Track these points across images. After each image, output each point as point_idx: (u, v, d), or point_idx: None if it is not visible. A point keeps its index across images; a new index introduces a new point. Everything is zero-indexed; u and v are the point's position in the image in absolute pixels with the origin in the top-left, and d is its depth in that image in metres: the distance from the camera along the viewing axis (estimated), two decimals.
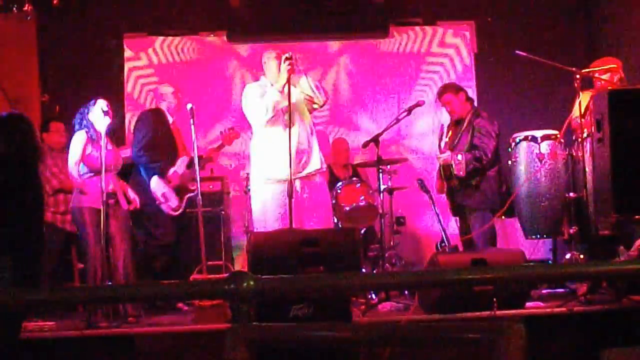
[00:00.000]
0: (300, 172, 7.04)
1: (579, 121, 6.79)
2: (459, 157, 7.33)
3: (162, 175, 7.68)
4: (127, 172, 7.74)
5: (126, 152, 7.94)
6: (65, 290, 4.79)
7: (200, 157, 7.80)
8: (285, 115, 6.88)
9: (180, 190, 7.75)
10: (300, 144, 7.04)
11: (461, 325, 2.73)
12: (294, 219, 6.73)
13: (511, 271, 3.60)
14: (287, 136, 6.78)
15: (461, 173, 7.32)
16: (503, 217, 7.45)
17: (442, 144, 7.74)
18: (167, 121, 7.98)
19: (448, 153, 7.45)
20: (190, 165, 7.82)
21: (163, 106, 8.07)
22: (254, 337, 2.79)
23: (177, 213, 7.71)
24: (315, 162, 7.16)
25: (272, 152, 7.05)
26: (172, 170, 7.74)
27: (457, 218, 7.90)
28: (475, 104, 8.26)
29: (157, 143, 7.82)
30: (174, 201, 7.68)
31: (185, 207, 7.78)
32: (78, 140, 6.99)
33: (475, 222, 7.51)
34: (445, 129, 7.88)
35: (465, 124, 7.49)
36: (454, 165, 7.36)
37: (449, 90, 7.79)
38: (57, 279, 7.88)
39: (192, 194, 7.76)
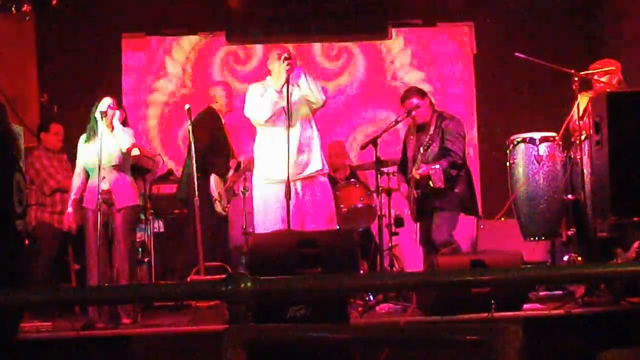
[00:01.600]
0: (301, 173, 7.01)
1: (577, 123, 6.77)
2: (437, 166, 7.21)
3: (222, 175, 7.77)
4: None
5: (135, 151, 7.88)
6: (61, 291, 4.78)
7: (239, 164, 8.18)
8: (286, 115, 6.88)
9: (228, 192, 7.88)
10: (301, 144, 7.02)
11: (458, 327, 2.72)
12: (296, 221, 6.75)
13: (509, 273, 3.59)
14: (288, 136, 6.80)
15: (440, 184, 7.22)
16: (503, 218, 7.43)
17: (416, 157, 7.57)
18: (222, 122, 8.07)
19: (423, 167, 7.32)
20: (237, 168, 8.12)
21: (215, 107, 8.11)
22: (251, 338, 2.78)
23: (225, 213, 7.82)
24: (316, 163, 7.11)
25: (273, 152, 7.02)
26: (230, 172, 7.98)
27: (420, 223, 7.69)
28: (473, 106, 8.22)
29: (216, 144, 7.92)
30: (224, 201, 7.80)
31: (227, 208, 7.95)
32: (79, 148, 6.97)
33: (443, 222, 7.37)
34: (407, 141, 7.78)
35: (432, 129, 7.38)
36: (432, 177, 7.21)
37: (415, 94, 7.60)
38: (54, 279, 7.87)
39: (234, 197, 7.93)
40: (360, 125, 10.51)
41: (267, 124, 7.07)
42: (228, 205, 7.94)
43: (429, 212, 7.48)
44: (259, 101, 7.07)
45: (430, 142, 7.26)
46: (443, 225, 7.37)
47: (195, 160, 7.29)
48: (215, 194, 7.72)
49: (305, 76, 7.12)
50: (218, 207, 7.81)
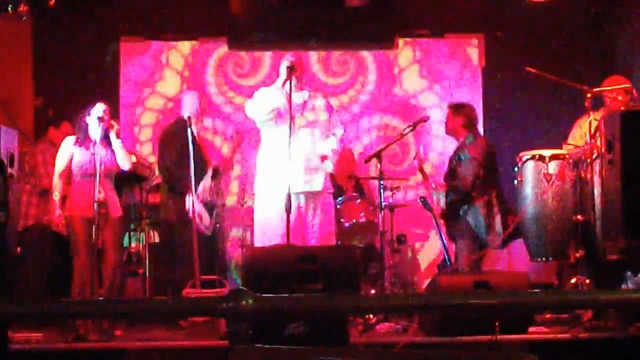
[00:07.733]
0: (305, 186, 6.95)
1: (589, 141, 6.64)
2: (433, 185, 7.46)
3: (193, 192, 7.35)
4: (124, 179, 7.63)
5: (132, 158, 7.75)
6: (53, 304, 4.63)
7: (217, 169, 7.74)
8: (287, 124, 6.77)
9: (208, 206, 7.56)
10: (307, 158, 6.95)
11: (469, 356, 2.60)
12: (296, 235, 6.64)
13: (514, 297, 3.52)
14: (292, 146, 6.69)
15: (442, 205, 7.27)
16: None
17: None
18: (192, 132, 7.42)
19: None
20: (214, 176, 7.69)
21: (186, 115, 7.51)
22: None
23: (209, 232, 7.53)
24: (322, 178, 7.11)
25: (276, 162, 6.95)
26: (200, 187, 7.45)
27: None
28: (480, 120, 8.13)
29: (185, 159, 7.23)
30: (206, 219, 7.48)
31: (215, 223, 7.59)
32: (64, 148, 6.91)
33: (459, 251, 7.45)
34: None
35: (456, 148, 7.51)
36: (427, 199, 7.46)
37: (448, 108, 7.80)
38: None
39: (219, 209, 7.64)
40: (366, 135, 10.37)
41: (269, 130, 7.04)
42: (213, 221, 7.61)
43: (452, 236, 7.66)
44: (262, 100, 7.08)
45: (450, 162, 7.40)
46: (459, 255, 7.44)
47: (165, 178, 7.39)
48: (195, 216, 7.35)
49: (328, 110, 7.27)
50: (201, 228, 7.47)
